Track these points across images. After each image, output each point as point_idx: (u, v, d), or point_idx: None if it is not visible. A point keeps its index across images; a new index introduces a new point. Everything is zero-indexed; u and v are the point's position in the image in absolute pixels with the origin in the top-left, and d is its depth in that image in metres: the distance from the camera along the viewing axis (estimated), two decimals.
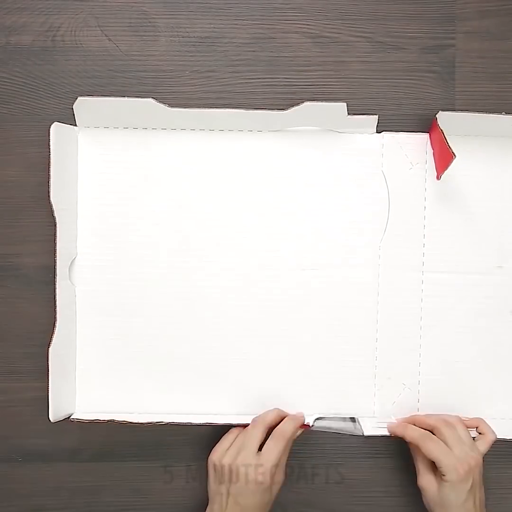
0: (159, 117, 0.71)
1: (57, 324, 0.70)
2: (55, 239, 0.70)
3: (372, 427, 0.71)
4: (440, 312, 0.74)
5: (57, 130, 0.69)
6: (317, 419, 0.72)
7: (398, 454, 0.75)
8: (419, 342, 0.74)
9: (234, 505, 0.67)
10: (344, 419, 0.73)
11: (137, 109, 0.70)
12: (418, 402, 0.74)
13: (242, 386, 0.74)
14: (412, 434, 0.69)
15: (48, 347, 0.70)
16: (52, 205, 0.69)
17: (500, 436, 0.70)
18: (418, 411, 0.74)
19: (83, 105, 0.70)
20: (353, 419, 0.73)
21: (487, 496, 0.69)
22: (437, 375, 0.74)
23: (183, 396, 0.73)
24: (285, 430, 0.68)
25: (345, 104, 0.69)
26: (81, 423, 0.70)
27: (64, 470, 0.75)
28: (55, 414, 0.70)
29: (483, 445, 0.69)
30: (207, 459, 0.70)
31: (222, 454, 0.69)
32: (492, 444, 0.69)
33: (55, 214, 0.70)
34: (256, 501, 0.67)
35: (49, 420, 0.70)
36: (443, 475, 0.66)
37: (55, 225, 0.70)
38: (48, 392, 0.70)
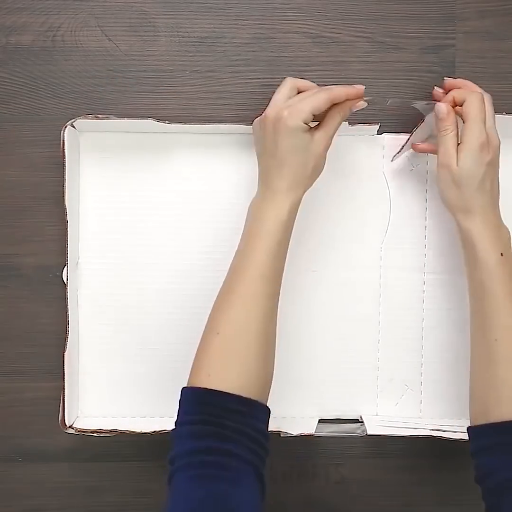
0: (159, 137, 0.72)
1: (70, 327, 0.70)
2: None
3: (376, 425, 0.71)
4: (441, 313, 0.74)
5: (69, 133, 0.69)
6: (320, 421, 0.72)
7: (398, 454, 0.75)
8: (421, 343, 0.74)
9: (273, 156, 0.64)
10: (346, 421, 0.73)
11: (137, 128, 0.71)
12: (421, 403, 0.74)
13: None
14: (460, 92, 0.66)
15: (64, 351, 0.70)
16: (66, 208, 0.69)
17: None
18: (420, 412, 0.74)
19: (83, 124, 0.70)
20: (355, 420, 0.74)
21: None
22: (439, 376, 0.74)
23: None
24: (333, 89, 0.65)
25: (347, 123, 0.69)
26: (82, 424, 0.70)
27: (64, 470, 0.75)
28: (68, 419, 0.70)
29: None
30: None
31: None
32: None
33: (68, 218, 0.70)
34: (290, 145, 0.63)
35: (57, 423, 0.69)
36: (463, 143, 0.63)
37: (66, 229, 0.70)
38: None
